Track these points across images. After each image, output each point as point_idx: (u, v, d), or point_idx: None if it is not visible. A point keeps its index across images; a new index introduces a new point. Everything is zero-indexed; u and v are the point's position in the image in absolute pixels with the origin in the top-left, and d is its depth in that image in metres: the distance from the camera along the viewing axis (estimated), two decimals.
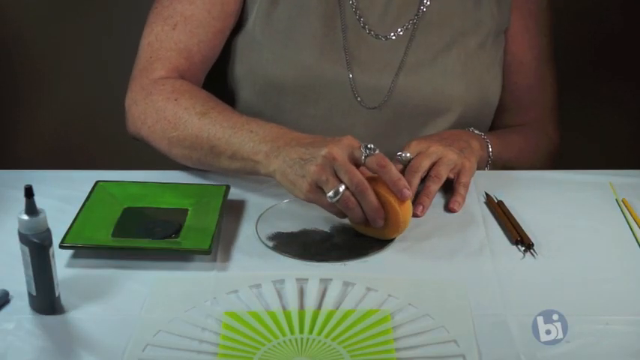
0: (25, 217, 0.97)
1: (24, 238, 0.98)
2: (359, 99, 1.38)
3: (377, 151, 1.12)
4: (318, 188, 1.12)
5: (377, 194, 1.11)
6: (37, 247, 0.98)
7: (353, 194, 1.11)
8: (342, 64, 1.37)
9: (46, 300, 1.01)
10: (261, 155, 1.17)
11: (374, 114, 1.39)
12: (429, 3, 1.38)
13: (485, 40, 1.41)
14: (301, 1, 1.37)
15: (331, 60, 1.37)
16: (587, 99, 2.10)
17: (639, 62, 2.08)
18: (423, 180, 1.23)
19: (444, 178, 1.23)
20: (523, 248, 1.14)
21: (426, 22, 1.39)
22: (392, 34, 1.38)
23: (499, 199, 1.24)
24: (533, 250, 1.13)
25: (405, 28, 1.38)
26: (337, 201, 1.11)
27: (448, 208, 1.23)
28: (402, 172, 1.24)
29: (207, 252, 1.10)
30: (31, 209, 0.97)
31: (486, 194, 1.26)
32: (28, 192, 0.97)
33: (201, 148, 1.23)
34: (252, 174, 1.21)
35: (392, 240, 1.15)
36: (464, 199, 1.24)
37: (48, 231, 0.99)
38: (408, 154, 1.25)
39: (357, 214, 1.12)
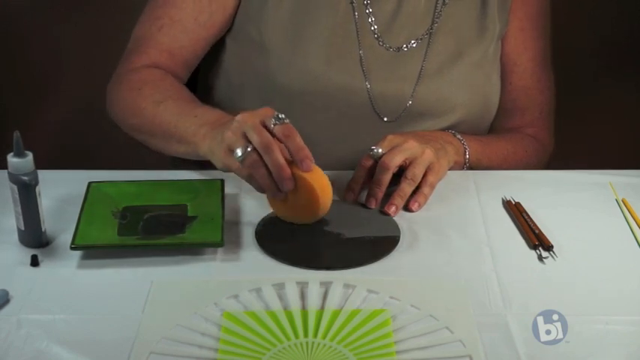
0: (15, 159, 1.06)
1: (13, 178, 1.07)
2: (370, 108, 1.37)
3: (287, 121, 1.11)
4: (231, 152, 1.12)
5: (293, 175, 1.10)
6: (25, 185, 1.07)
7: (260, 155, 1.10)
8: (350, 72, 1.36)
9: (33, 234, 1.10)
10: (198, 137, 1.20)
11: (382, 121, 1.38)
12: (441, 14, 1.37)
13: (488, 48, 1.41)
14: (311, 8, 1.36)
15: (339, 68, 1.35)
16: (587, 99, 2.10)
17: (639, 63, 2.08)
18: (399, 175, 1.22)
19: (419, 180, 1.22)
20: (542, 251, 1.13)
21: (440, 33, 1.38)
22: (405, 45, 1.37)
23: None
24: (553, 252, 1.13)
25: (419, 39, 1.37)
26: (243, 161, 1.10)
27: (407, 207, 1.21)
28: (373, 168, 1.22)
29: (219, 244, 1.10)
30: (20, 152, 1.06)
31: (504, 198, 1.24)
32: (17, 139, 1.05)
33: (156, 134, 1.28)
34: (195, 156, 1.23)
35: (388, 252, 1.12)
36: (426, 199, 1.22)
37: (34, 172, 1.08)
38: (380, 150, 1.22)
39: (262, 174, 1.10)
